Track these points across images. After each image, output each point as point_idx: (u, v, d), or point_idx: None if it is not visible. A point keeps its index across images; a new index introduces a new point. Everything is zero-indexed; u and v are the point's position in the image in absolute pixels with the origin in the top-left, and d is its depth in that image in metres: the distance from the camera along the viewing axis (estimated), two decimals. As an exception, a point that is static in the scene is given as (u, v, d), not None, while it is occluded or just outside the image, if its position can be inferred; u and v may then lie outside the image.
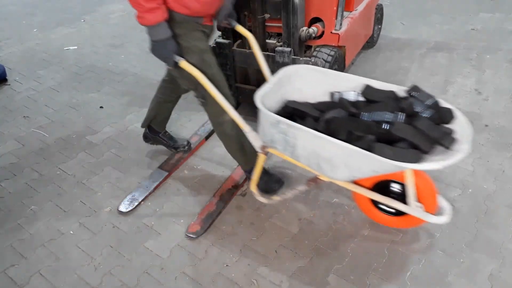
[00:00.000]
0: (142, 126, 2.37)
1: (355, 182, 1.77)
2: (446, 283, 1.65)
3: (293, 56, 2.29)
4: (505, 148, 2.34)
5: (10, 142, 2.66)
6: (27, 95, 3.21)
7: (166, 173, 2.27)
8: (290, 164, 2.23)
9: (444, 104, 1.56)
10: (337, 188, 2.12)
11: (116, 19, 4.71)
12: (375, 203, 1.86)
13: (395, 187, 1.76)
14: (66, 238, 1.96)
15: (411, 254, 1.78)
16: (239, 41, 2.51)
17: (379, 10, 3.49)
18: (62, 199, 2.18)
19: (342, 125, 1.55)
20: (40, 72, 3.56)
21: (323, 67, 2.49)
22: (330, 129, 1.55)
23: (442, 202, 1.73)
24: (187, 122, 2.72)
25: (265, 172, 2.07)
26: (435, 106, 1.55)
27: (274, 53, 2.32)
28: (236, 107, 1.86)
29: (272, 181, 2.09)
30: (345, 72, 1.98)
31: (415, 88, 1.61)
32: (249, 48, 2.44)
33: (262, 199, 1.94)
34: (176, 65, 1.64)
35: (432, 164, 1.34)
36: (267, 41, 2.45)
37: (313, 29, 2.44)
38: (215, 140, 2.55)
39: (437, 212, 1.68)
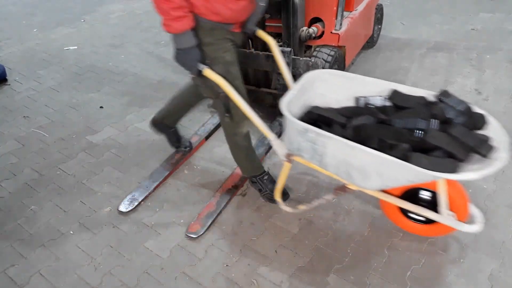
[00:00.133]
0: (156, 119, 2.29)
1: (385, 191, 1.71)
2: (446, 283, 1.65)
3: (293, 56, 2.29)
4: (505, 148, 2.33)
5: (10, 142, 2.66)
6: (27, 95, 3.21)
7: (166, 173, 2.27)
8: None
9: (476, 109, 1.51)
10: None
11: (116, 19, 4.72)
12: (404, 211, 1.81)
13: (425, 195, 1.71)
14: (66, 238, 1.96)
15: (411, 254, 1.78)
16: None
17: (379, 10, 3.49)
18: (62, 199, 2.19)
19: (373, 132, 1.49)
20: (40, 72, 3.56)
21: (323, 67, 2.50)
22: (359, 137, 1.49)
23: (473, 210, 1.67)
24: (187, 122, 2.72)
25: (272, 182, 2.06)
26: (468, 111, 1.50)
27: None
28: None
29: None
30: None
31: (445, 93, 1.55)
32: (249, 48, 2.44)
33: (287, 208, 1.91)
34: (200, 73, 1.61)
35: (470, 174, 1.29)
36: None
37: (313, 29, 2.45)
38: (215, 140, 2.56)
39: (468, 220, 1.63)
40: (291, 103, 1.60)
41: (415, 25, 4.01)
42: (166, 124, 2.30)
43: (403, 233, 1.86)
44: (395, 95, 1.63)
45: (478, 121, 1.48)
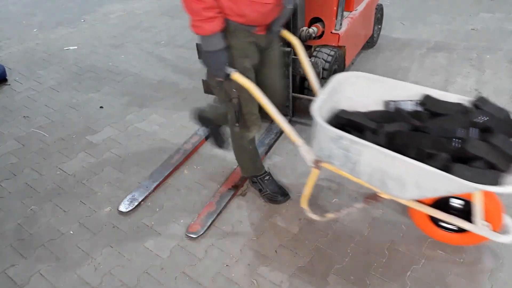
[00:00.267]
0: (202, 116, 2.18)
1: (418, 200, 1.65)
2: (446, 283, 1.65)
3: (293, 57, 2.29)
4: (505, 148, 2.33)
5: (10, 142, 2.66)
6: (27, 95, 3.21)
7: (166, 173, 2.27)
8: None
9: None
10: (336, 189, 2.12)
11: (116, 19, 4.72)
12: (434, 219, 1.76)
13: (456, 203, 1.65)
14: (66, 238, 1.96)
15: (411, 254, 1.78)
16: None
17: (379, 10, 3.50)
18: (62, 199, 2.18)
19: (409, 140, 1.43)
20: (40, 72, 3.57)
21: (323, 67, 2.50)
22: (394, 144, 1.44)
23: (507, 220, 1.62)
24: (187, 122, 2.72)
25: (273, 183, 2.06)
26: (508, 119, 1.44)
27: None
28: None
29: (279, 194, 2.07)
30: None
31: (482, 100, 1.49)
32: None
33: (314, 216, 1.87)
34: (227, 76, 1.54)
35: None
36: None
37: (313, 29, 2.45)
38: (215, 140, 2.56)
39: (502, 230, 1.59)
40: (322, 108, 1.52)
41: (415, 25, 4.01)
42: (216, 123, 2.18)
43: (403, 233, 1.86)
44: (427, 100, 1.56)
45: None
